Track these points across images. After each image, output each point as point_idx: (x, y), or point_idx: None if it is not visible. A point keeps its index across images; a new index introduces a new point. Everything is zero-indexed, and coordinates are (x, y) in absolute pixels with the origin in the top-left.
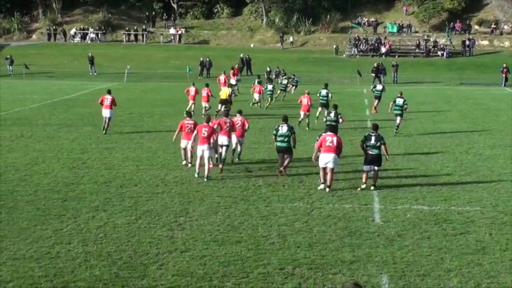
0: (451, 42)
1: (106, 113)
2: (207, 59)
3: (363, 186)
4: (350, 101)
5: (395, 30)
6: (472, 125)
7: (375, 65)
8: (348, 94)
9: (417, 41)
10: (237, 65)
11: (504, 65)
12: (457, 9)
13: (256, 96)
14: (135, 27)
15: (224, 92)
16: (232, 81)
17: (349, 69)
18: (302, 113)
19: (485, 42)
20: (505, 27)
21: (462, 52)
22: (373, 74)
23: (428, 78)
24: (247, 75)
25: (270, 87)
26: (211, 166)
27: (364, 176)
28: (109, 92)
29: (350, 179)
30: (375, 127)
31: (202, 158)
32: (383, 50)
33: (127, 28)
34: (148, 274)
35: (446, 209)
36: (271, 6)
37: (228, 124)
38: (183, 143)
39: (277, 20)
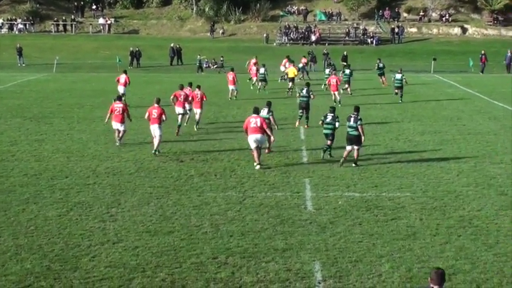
0: (383, 29)
1: (121, 89)
2: (137, 49)
3: (342, 160)
4: (282, 88)
5: (324, 18)
6: (402, 112)
7: (345, 53)
8: (279, 83)
9: (347, 29)
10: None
11: (482, 52)
12: None
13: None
14: (64, 18)
15: (291, 71)
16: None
17: (279, 58)
18: (333, 93)
19: (414, 30)
20: (433, 14)
21: (391, 39)
22: (344, 63)
23: (358, 66)
24: (177, 64)
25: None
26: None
27: (345, 153)
28: (125, 72)
29: (282, 166)
30: (356, 109)
31: (155, 136)
32: (313, 38)
33: (55, 18)
34: (81, 266)
35: (377, 195)
36: None
37: (182, 96)
38: (114, 125)
39: (207, 9)
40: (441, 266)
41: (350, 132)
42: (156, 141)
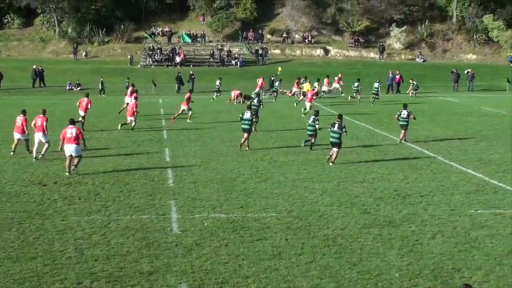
0: (250, 50)
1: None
2: None
3: (328, 162)
4: (145, 111)
5: (189, 40)
6: (266, 132)
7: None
8: (143, 104)
9: (211, 51)
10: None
11: (397, 72)
12: (249, 18)
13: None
14: None
15: (306, 86)
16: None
17: (144, 80)
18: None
19: (278, 51)
20: (296, 36)
21: (255, 61)
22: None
23: (223, 87)
24: (40, 86)
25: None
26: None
27: (330, 155)
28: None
29: (147, 188)
30: (340, 116)
31: (39, 143)
32: (178, 59)
33: None
34: None
35: (243, 216)
36: (63, 17)
37: (85, 102)
38: (15, 135)
39: (69, 30)
40: (306, 285)
41: (333, 137)
42: (44, 148)
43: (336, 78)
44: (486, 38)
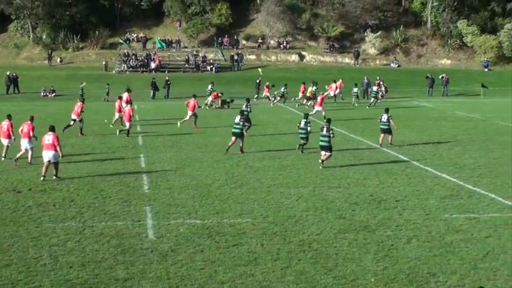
0: (223, 56)
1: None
2: None
3: (320, 161)
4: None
5: (163, 46)
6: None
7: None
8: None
9: (186, 56)
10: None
11: (377, 77)
12: (224, 24)
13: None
14: None
15: (309, 91)
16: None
17: (119, 86)
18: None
19: (253, 57)
20: (271, 41)
21: (231, 67)
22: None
23: (198, 93)
24: (14, 93)
25: None
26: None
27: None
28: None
29: (122, 195)
30: (328, 120)
31: (26, 149)
32: (153, 65)
33: None
34: None
35: (218, 221)
36: (37, 23)
37: (78, 106)
38: (3, 141)
39: (44, 36)
40: None
41: (322, 141)
42: (29, 154)
43: (337, 83)
44: (460, 43)
